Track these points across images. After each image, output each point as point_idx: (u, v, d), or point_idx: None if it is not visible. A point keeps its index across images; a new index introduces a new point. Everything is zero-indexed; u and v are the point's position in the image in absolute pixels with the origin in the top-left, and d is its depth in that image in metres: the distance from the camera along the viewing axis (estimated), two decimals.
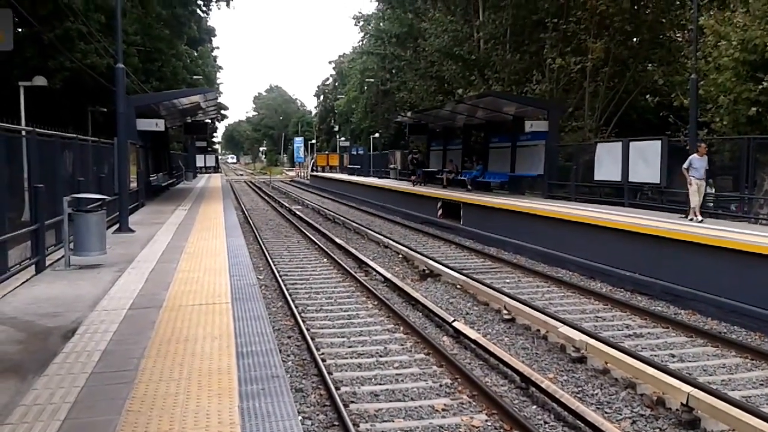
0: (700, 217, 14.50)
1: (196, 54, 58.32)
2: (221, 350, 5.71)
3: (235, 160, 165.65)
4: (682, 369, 8.31)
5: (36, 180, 9.82)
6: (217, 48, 76.63)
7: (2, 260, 8.46)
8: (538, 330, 9.99)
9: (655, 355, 8.91)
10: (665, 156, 17.17)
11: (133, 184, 18.97)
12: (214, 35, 57.61)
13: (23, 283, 8.79)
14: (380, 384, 7.86)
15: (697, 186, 14.45)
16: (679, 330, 10.29)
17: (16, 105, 20.50)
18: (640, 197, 19.15)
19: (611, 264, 14.24)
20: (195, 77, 52.56)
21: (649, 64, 27.56)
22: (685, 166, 14.65)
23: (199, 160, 60.53)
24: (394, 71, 53.67)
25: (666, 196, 18.04)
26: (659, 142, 17.58)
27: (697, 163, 14.49)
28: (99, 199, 10.43)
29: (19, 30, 23.58)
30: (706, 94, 18.10)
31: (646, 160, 17.81)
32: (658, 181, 17.48)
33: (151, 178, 26.55)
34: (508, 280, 14.30)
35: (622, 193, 19.20)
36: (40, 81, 21.18)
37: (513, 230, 18.82)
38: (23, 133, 10.26)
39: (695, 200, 14.53)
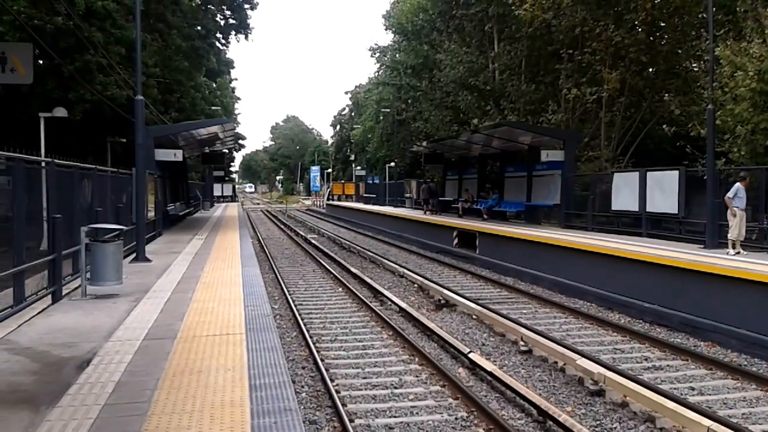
0: (741, 250, 14.01)
1: (214, 85, 59.11)
2: (234, 382, 5.67)
3: (253, 189, 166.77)
4: (702, 402, 8.14)
5: (54, 210, 9.92)
6: (236, 79, 77.59)
7: (19, 290, 8.52)
8: (556, 362, 9.86)
9: (675, 388, 8.75)
10: (683, 186, 17.05)
11: (151, 214, 19.11)
12: (233, 67, 58.36)
13: (39, 312, 8.82)
14: (395, 416, 7.77)
15: (741, 217, 14.04)
16: (698, 362, 10.12)
17: (37, 135, 20.81)
18: (661, 226, 18.94)
19: (630, 295, 14.09)
20: (213, 108, 53.24)
21: (666, 94, 27.55)
22: (729, 195, 14.15)
23: (217, 189, 61.08)
24: (409, 101, 53.97)
25: (684, 226, 17.87)
26: (677, 172, 17.48)
27: (742, 192, 14.08)
28: (116, 229, 10.50)
29: (40, 62, 24.05)
30: (723, 124, 18.01)
31: (663, 190, 17.70)
32: (676, 211, 17.34)
33: (168, 208, 26.74)
34: (524, 311, 14.18)
35: (640, 223, 19.05)
36: (60, 112, 21.52)
37: (530, 260, 18.70)
38: (42, 164, 10.40)
39: (736, 233, 14.03)
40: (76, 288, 10.45)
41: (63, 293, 10.01)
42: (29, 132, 21.99)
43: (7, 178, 8.74)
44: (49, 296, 9.57)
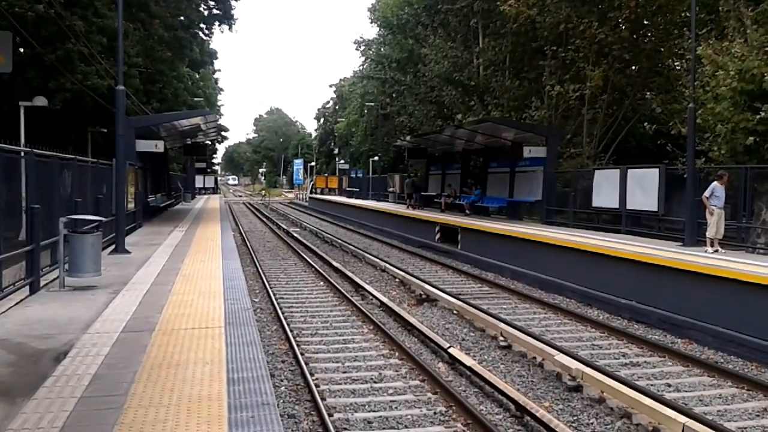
0: (719, 248, 14.16)
1: (197, 76, 58.70)
2: (212, 376, 5.66)
3: (236, 182, 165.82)
4: (678, 399, 8.24)
5: (33, 200, 9.81)
6: (219, 70, 77.17)
7: None
8: (534, 357, 9.93)
9: (651, 385, 8.85)
10: (663, 184, 17.19)
11: (131, 205, 18.96)
12: (216, 58, 58.00)
13: (17, 303, 8.74)
14: (374, 411, 7.79)
15: (719, 216, 14.18)
16: (675, 359, 10.23)
17: (17, 125, 20.55)
18: (641, 224, 19.09)
19: (608, 291, 14.20)
20: (196, 99, 52.89)
21: (648, 92, 27.71)
22: (706, 194, 14.30)
23: (199, 181, 60.70)
24: (394, 95, 53.88)
25: (664, 223, 18.04)
26: (657, 170, 17.62)
27: (719, 191, 14.19)
28: (95, 221, 10.41)
29: (21, 50, 23.73)
30: (704, 122, 18.15)
31: (643, 188, 17.84)
32: (655, 209, 17.49)
33: (149, 199, 26.54)
34: (504, 306, 14.25)
35: (620, 220, 19.20)
36: (40, 101, 21.26)
37: (511, 256, 18.79)
38: (21, 153, 10.28)
39: (713, 231, 14.16)
40: (54, 279, 10.36)
41: (41, 284, 9.93)
42: (9, 121, 21.71)
43: None
44: (27, 287, 9.48)
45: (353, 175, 62.19)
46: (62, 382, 5.47)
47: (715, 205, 14.17)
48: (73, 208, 12.03)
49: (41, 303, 8.91)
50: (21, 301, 8.95)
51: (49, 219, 10.39)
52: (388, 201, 41.67)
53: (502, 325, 11.30)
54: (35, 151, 10.45)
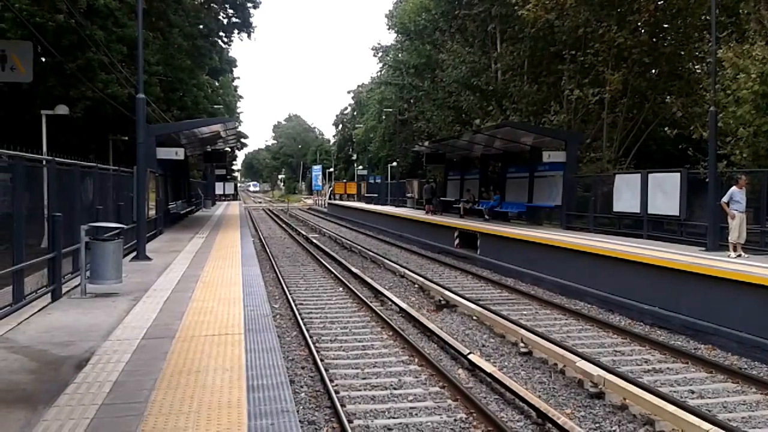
0: (742, 253, 13.95)
1: (217, 84, 59.05)
2: (232, 383, 5.66)
3: (257, 188, 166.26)
4: (701, 406, 8.12)
5: (54, 208, 9.90)
6: (238, 78, 77.58)
7: (19, 288, 8.51)
8: (556, 364, 9.84)
9: (674, 391, 8.72)
10: (684, 188, 17.01)
11: (152, 212, 19.08)
12: (235, 65, 58.39)
13: (39, 311, 8.81)
14: (394, 417, 7.76)
15: (740, 220, 14.00)
16: (698, 365, 10.10)
17: (39, 133, 20.80)
18: (663, 228, 18.87)
19: (630, 297, 14.06)
20: (216, 106, 53.18)
21: (668, 96, 27.46)
22: (725, 199, 14.18)
23: (219, 188, 61.00)
24: (412, 101, 53.95)
25: (685, 228, 17.84)
26: (678, 174, 17.44)
27: (738, 195, 14.05)
28: (116, 228, 10.49)
29: (43, 60, 24.02)
30: (726, 126, 17.97)
31: (665, 192, 17.66)
32: (677, 214, 17.30)
33: (170, 206, 26.72)
34: (525, 312, 14.15)
35: (642, 224, 19.01)
36: (61, 110, 21.49)
37: (531, 261, 18.68)
38: (43, 162, 10.39)
39: (735, 235, 13.98)
40: (75, 286, 10.44)
41: (63, 292, 10.00)
42: (32, 130, 21.97)
43: (8, 176, 8.73)
44: (49, 294, 9.56)
45: (372, 181, 62.20)
46: (83, 389, 5.49)
47: (736, 210, 14.00)
48: (95, 215, 12.13)
49: (63, 310, 8.98)
50: (43, 308, 9.02)
51: (70, 226, 10.49)
52: (406, 206, 41.61)
53: (522, 331, 11.22)
54: (57, 159, 10.56)
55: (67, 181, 11.18)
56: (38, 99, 23.56)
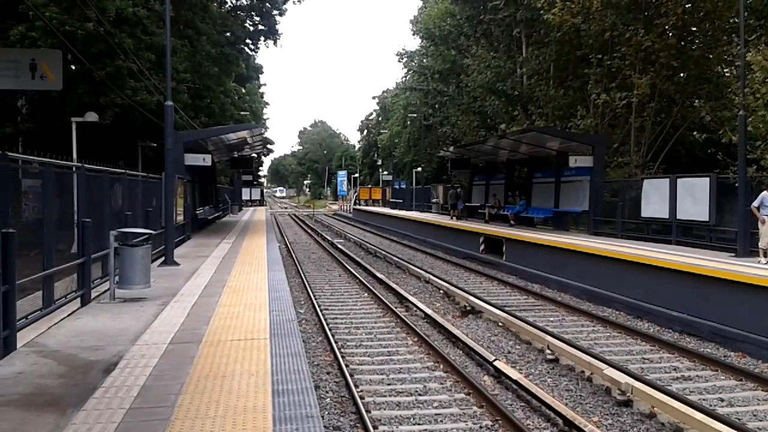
0: None
1: (243, 90, 59.51)
2: (257, 388, 5.69)
3: (284, 194, 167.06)
4: (731, 414, 7.99)
5: (84, 214, 10.06)
6: (264, 84, 78.28)
7: (48, 292, 8.64)
8: (583, 371, 9.74)
9: (704, 399, 8.59)
10: (714, 193, 16.78)
11: (180, 218, 19.29)
12: (262, 72, 58.87)
13: (68, 315, 8.95)
14: (419, 424, 7.74)
15: None
16: (728, 373, 9.93)
17: (69, 140, 21.13)
18: (692, 234, 18.62)
19: (659, 304, 13.88)
20: (242, 113, 53.60)
21: (696, 100, 27.09)
22: (755, 204, 14.00)
23: (245, 194, 61.57)
24: (436, 106, 53.86)
25: (715, 234, 17.58)
26: (707, 178, 17.21)
27: None
28: (145, 233, 10.62)
29: (72, 68, 24.40)
30: (755, 130, 17.70)
31: (694, 197, 17.44)
32: (706, 219, 17.07)
33: (197, 212, 26.98)
34: (551, 319, 14.04)
35: (670, 230, 18.77)
36: (91, 117, 21.80)
37: (557, 267, 18.53)
38: (73, 168, 10.56)
39: (766, 240, 13.76)
40: (104, 291, 10.59)
41: (92, 296, 10.15)
42: (62, 137, 22.31)
43: (38, 183, 8.89)
44: (78, 299, 9.70)
45: (396, 186, 62.18)
46: (111, 393, 5.56)
47: (766, 215, 13.78)
48: (124, 221, 12.29)
49: (92, 315, 9.10)
50: (72, 312, 9.16)
51: (100, 232, 10.64)
52: (431, 212, 41.56)
53: (549, 337, 11.12)
54: (86, 165, 10.72)
55: (96, 187, 11.35)
56: (68, 106, 23.91)
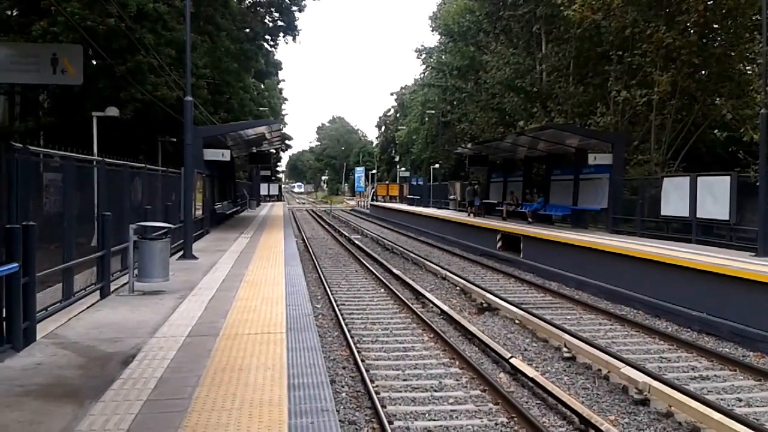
0: None
1: (262, 86, 59.75)
2: (273, 381, 5.72)
3: (302, 189, 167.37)
4: (749, 414, 7.91)
5: (104, 207, 10.16)
6: (283, 80, 78.57)
7: (68, 285, 8.74)
8: (600, 370, 9.70)
9: (722, 399, 8.51)
10: (734, 192, 16.60)
11: (199, 212, 19.43)
12: (281, 68, 58.89)
13: (88, 307, 9.05)
14: (434, 420, 7.74)
15: None
16: (747, 373, 9.83)
17: (90, 134, 21.35)
18: (712, 233, 18.42)
19: (678, 303, 13.77)
20: (261, 109, 53.86)
21: (718, 98, 26.80)
22: None
23: (263, 189, 61.82)
24: (455, 103, 53.75)
25: (736, 233, 17.39)
26: (728, 177, 17.02)
27: None
28: (164, 227, 10.70)
29: (93, 63, 24.62)
30: None
31: (714, 196, 17.25)
32: (727, 218, 16.89)
33: (216, 206, 27.15)
34: (569, 317, 13.97)
35: (690, 229, 18.60)
36: (112, 111, 22.00)
37: (575, 265, 18.43)
38: (93, 162, 10.66)
39: None
40: (124, 284, 10.70)
41: (111, 289, 10.26)
42: (83, 131, 22.53)
43: (59, 176, 8.99)
44: (98, 292, 9.81)
45: (414, 183, 62.11)
46: (129, 385, 5.62)
47: None
48: (143, 214, 12.40)
49: (111, 307, 9.20)
50: (92, 305, 9.26)
51: (119, 225, 10.74)
52: (448, 209, 41.45)
53: (566, 335, 11.08)
54: (106, 160, 10.83)
55: (116, 181, 11.46)
56: (89, 101, 24.14)
